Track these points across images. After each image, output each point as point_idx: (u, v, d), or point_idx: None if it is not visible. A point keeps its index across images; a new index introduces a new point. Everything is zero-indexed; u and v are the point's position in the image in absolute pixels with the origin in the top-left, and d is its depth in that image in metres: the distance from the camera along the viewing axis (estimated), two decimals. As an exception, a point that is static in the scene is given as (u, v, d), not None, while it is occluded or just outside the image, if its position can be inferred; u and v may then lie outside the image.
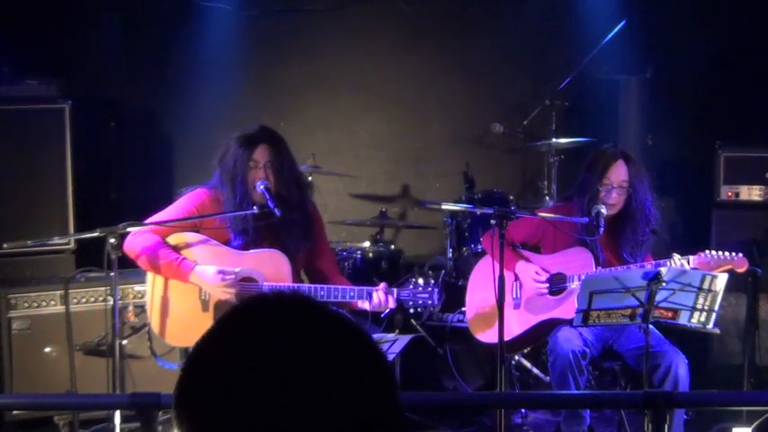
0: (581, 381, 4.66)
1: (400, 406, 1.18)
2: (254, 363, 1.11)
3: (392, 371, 1.19)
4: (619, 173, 4.85)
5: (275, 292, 1.21)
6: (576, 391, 4.62)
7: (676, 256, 4.67)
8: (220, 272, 4.36)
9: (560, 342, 4.71)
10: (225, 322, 1.17)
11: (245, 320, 1.17)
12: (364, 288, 4.41)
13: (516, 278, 4.96)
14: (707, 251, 4.66)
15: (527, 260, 4.98)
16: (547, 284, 4.88)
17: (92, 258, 4.87)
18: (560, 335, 4.75)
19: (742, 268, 4.67)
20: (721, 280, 4.31)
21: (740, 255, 4.66)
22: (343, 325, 1.18)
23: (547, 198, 6.50)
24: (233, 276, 4.38)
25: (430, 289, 4.39)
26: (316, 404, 1.10)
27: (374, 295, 4.36)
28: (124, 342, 4.82)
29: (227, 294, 4.38)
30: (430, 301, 4.41)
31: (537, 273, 4.89)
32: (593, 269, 4.76)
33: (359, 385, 1.14)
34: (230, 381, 1.11)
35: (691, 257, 4.63)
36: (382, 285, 4.40)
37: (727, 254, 4.64)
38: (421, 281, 4.47)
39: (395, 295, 4.38)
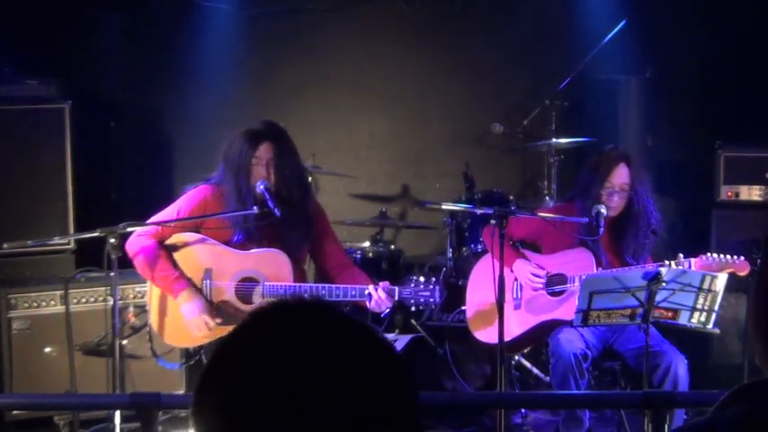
0: (582, 384, 4.65)
1: (410, 404, 1.18)
2: (262, 368, 1.14)
3: (403, 370, 1.19)
4: (621, 176, 4.85)
5: (288, 297, 1.24)
6: (576, 391, 4.61)
7: (680, 257, 4.65)
8: (206, 318, 4.35)
9: (562, 344, 4.70)
10: (239, 328, 1.21)
11: (255, 327, 1.20)
12: (366, 287, 4.41)
13: (516, 278, 4.95)
14: (708, 254, 4.63)
15: (526, 258, 4.97)
16: (543, 280, 4.87)
17: (92, 258, 4.87)
18: (562, 336, 4.73)
19: (744, 271, 4.64)
20: (721, 280, 4.30)
21: (742, 258, 4.64)
22: (349, 326, 1.20)
23: (547, 198, 6.50)
24: (213, 328, 4.37)
25: (431, 287, 4.38)
26: (317, 405, 1.12)
27: (373, 295, 4.36)
28: (124, 342, 4.81)
29: (200, 331, 4.37)
30: (432, 299, 4.40)
31: (534, 271, 4.88)
32: (594, 270, 4.76)
33: (361, 384, 1.14)
34: (240, 386, 1.14)
35: (692, 260, 4.61)
36: (384, 284, 4.40)
37: (728, 257, 4.62)
38: (422, 278, 4.46)
39: (395, 295, 4.37)
